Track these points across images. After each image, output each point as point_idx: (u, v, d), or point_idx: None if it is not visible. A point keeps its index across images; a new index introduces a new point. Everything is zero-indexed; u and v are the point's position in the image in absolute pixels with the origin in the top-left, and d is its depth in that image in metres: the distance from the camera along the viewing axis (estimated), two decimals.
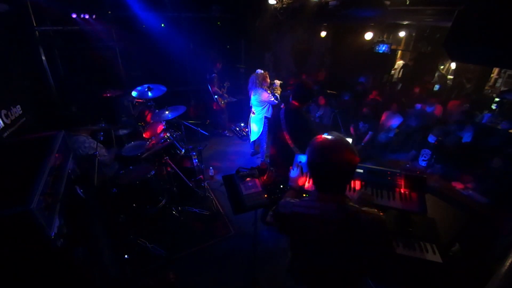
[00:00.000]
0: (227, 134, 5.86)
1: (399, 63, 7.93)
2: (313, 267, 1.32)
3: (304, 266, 1.37)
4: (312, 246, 1.26)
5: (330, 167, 1.15)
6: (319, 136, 1.24)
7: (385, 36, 7.33)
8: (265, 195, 1.92)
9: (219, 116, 5.75)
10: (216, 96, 5.37)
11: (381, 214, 1.19)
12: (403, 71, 7.72)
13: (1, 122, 2.43)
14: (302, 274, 1.40)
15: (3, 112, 2.50)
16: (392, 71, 7.69)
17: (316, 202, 1.22)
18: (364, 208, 1.19)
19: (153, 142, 3.32)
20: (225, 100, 5.57)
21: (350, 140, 2.26)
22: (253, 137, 4.55)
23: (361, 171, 2.03)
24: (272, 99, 4.06)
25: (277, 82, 4.21)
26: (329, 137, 1.21)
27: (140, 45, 5.01)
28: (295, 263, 1.42)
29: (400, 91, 6.48)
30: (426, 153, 4.01)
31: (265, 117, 4.30)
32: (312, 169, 1.22)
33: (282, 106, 2.99)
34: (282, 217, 1.31)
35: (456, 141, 3.88)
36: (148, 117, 3.86)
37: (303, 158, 2.14)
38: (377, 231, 1.15)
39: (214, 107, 5.59)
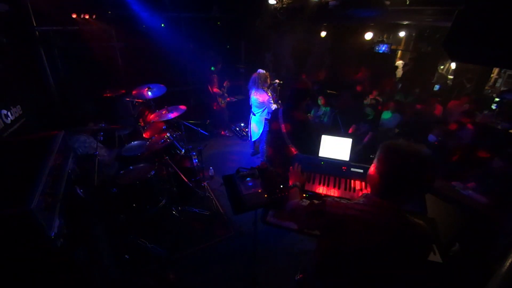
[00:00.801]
0: (227, 134, 5.86)
1: (399, 63, 7.93)
2: (350, 274, 1.23)
3: (339, 272, 1.27)
4: (356, 252, 1.17)
5: (413, 179, 1.08)
6: (397, 142, 1.16)
7: (385, 36, 7.33)
8: (265, 195, 1.92)
9: (219, 116, 5.75)
10: (216, 97, 5.37)
11: (426, 226, 1.15)
12: (403, 71, 7.72)
13: (1, 122, 2.43)
14: (332, 279, 1.31)
15: (3, 112, 2.50)
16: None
17: (372, 207, 1.16)
18: (416, 220, 1.14)
19: (153, 142, 3.32)
20: (225, 100, 5.57)
21: (350, 140, 2.27)
22: (254, 137, 4.55)
23: (361, 171, 2.03)
24: (273, 106, 4.03)
25: (277, 82, 4.20)
26: (407, 143, 1.13)
27: (140, 45, 5.01)
28: (325, 267, 1.34)
29: (401, 91, 6.47)
30: None
31: (265, 119, 4.29)
32: (389, 175, 1.13)
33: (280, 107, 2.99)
34: (332, 217, 1.20)
35: (456, 141, 3.87)
36: (148, 117, 3.87)
37: (303, 158, 2.14)
38: (425, 245, 1.13)
39: (214, 107, 5.59)
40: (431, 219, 1.92)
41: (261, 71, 4.14)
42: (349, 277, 1.23)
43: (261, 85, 4.07)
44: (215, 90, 5.29)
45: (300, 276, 1.55)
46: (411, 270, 1.15)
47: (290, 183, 1.70)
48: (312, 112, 5.34)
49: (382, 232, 1.12)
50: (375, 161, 1.20)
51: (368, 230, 1.14)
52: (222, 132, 5.88)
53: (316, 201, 1.33)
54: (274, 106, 4.05)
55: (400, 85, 6.69)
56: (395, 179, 1.12)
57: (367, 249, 1.14)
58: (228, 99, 5.69)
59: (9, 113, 2.60)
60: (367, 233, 1.14)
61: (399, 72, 7.70)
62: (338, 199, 1.27)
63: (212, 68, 5.23)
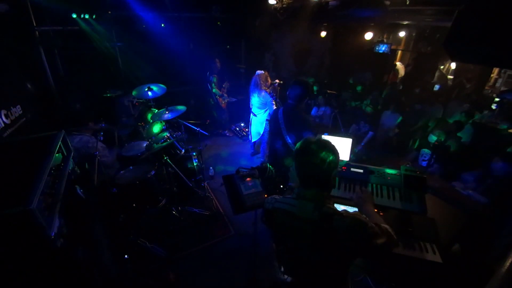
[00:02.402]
0: (227, 134, 5.86)
1: (398, 65, 7.88)
2: (292, 261, 1.37)
3: (285, 259, 1.43)
4: (289, 242, 1.32)
5: (308, 166, 1.21)
6: (306, 138, 1.29)
7: (385, 36, 7.32)
8: (265, 195, 1.92)
9: (220, 116, 5.75)
10: (216, 96, 5.36)
11: (360, 216, 1.19)
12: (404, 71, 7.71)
13: (1, 122, 2.43)
14: (285, 266, 1.44)
15: (3, 112, 2.50)
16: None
17: (295, 200, 1.28)
18: (342, 211, 1.20)
19: (153, 142, 3.32)
20: (226, 100, 5.57)
21: (350, 140, 2.27)
22: (254, 138, 4.54)
23: (361, 171, 2.03)
24: (274, 107, 4.04)
25: (277, 82, 4.21)
26: (313, 138, 1.27)
27: (140, 45, 5.01)
28: (279, 255, 1.48)
29: (401, 91, 6.48)
30: (426, 153, 4.01)
31: (266, 120, 4.30)
32: (296, 165, 1.28)
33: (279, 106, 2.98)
34: (266, 212, 1.40)
35: (456, 141, 3.87)
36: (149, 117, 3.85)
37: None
38: (353, 234, 1.13)
39: (215, 107, 5.59)
40: (431, 219, 1.92)
41: (260, 72, 4.15)
42: (292, 263, 1.37)
43: (263, 85, 4.08)
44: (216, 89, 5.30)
45: None
46: (345, 254, 1.20)
47: (290, 183, 1.70)
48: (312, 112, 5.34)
49: (303, 222, 1.22)
50: None
51: (292, 221, 1.25)
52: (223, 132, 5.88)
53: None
54: (274, 107, 4.06)
55: (401, 86, 6.69)
56: (297, 170, 1.27)
57: (296, 240, 1.27)
58: (226, 100, 5.68)
59: (9, 113, 2.60)
60: (291, 225, 1.26)
61: (401, 72, 7.69)
62: (275, 195, 1.43)
63: (208, 74, 5.23)
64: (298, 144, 1.28)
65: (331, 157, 1.19)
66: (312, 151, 1.20)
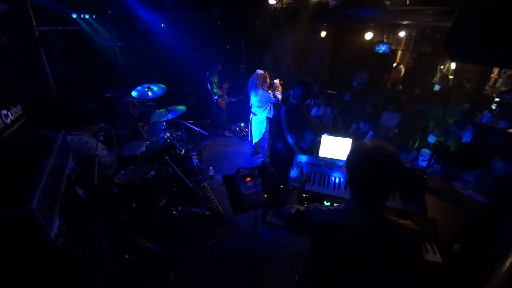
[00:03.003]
0: (227, 134, 5.86)
1: (400, 67, 7.88)
2: (336, 277, 1.24)
3: (327, 274, 1.29)
4: (342, 257, 1.18)
5: (378, 177, 1.05)
6: (363, 142, 1.16)
7: (385, 36, 7.32)
8: (265, 195, 1.92)
9: (219, 116, 5.75)
10: (216, 97, 5.36)
11: (416, 227, 1.12)
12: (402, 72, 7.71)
13: (1, 122, 2.43)
14: (325, 281, 1.32)
15: (3, 112, 2.50)
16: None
17: (352, 213, 1.14)
18: (401, 221, 1.11)
19: (153, 142, 3.32)
20: (225, 101, 5.56)
21: (350, 140, 2.27)
22: (255, 138, 4.53)
23: None
24: (278, 97, 4.06)
25: (277, 81, 4.21)
26: (376, 143, 1.10)
27: (140, 45, 5.01)
28: (316, 268, 1.36)
29: (401, 91, 6.48)
30: (426, 153, 4.01)
31: (267, 117, 4.29)
32: (354, 177, 1.13)
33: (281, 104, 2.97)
34: (311, 224, 1.23)
35: (456, 141, 3.88)
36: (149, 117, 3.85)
37: (303, 158, 2.14)
38: (415, 246, 1.09)
39: (215, 107, 5.59)
40: (431, 219, 1.92)
41: (259, 71, 4.15)
42: (338, 280, 1.23)
43: (260, 85, 4.08)
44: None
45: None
46: (402, 271, 1.12)
47: (290, 183, 1.69)
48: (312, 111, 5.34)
49: (361, 237, 1.10)
50: None
51: (347, 235, 1.12)
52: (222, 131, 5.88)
53: (302, 208, 1.34)
54: (274, 99, 4.06)
55: (401, 86, 6.69)
56: (360, 180, 1.11)
57: (350, 253, 1.13)
58: (226, 101, 5.68)
59: (9, 113, 2.59)
60: (347, 238, 1.12)
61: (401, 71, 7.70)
62: (320, 206, 1.27)
63: (207, 74, 5.23)
64: (360, 149, 1.12)
65: (400, 164, 1.06)
66: (389, 160, 1.04)
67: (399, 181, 1.07)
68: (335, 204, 1.25)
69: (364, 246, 1.10)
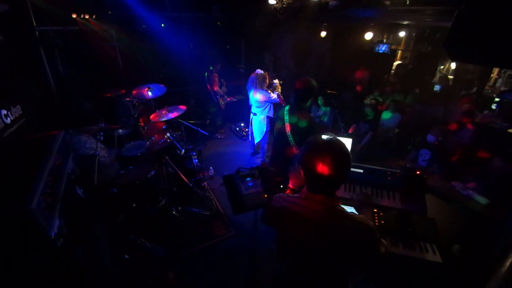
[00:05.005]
0: (218, 137, 5.73)
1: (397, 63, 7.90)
2: (296, 260, 1.34)
3: (288, 258, 1.40)
4: (295, 242, 1.28)
5: (324, 168, 1.11)
6: (313, 137, 1.21)
7: (385, 36, 7.32)
8: (265, 195, 1.92)
9: (215, 118, 5.70)
10: (217, 96, 5.36)
11: (368, 221, 1.17)
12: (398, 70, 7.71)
13: (1, 122, 2.43)
14: (288, 265, 1.42)
15: (3, 112, 2.50)
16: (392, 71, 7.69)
17: (304, 200, 1.23)
18: (351, 213, 1.18)
19: (153, 142, 3.32)
20: (225, 101, 5.56)
21: (350, 140, 2.27)
22: (257, 138, 4.52)
23: (361, 171, 2.03)
24: (274, 96, 4.04)
25: (277, 81, 4.20)
26: (324, 137, 1.17)
27: (140, 45, 5.00)
28: (281, 254, 1.44)
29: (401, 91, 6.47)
30: (425, 153, 4.01)
31: (267, 117, 4.28)
32: (303, 167, 1.20)
33: (283, 104, 2.96)
34: (272, 209, 1.36)
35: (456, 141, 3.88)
36: (150, 117, 3.86)
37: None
38: (362, 238, 1.14)
39: (215, 108, 5.58)
40: (431, 219, 1.92)
41: (259, 71, 4.14)
42: (296, 264, 1.33)
43: (259, 85, 4.07)
44: (215, 88, 5.29)
45: None
46: (354, 260, 1.19)
47: (290, 183, 1.69)
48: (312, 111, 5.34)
49: (312, 224, 1.18)
50: None
51: (299, 221, 1.21)
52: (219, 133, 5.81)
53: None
54: (275, 97, 4.05)
55: (399, 86, 6.68)
56: (308, 171, 1.17)
57: (303, 239, 1.22)
58: (228, 99, 5.68)
59: (9, 113, 2.60)
60: (298, 225, 1.22)
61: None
62: (283, 194, 1.38)
63: (211, 68, 5.22)
64: (308, 144, 1.19)
65: (347, 158, 1.13)
66: (329, 150, 1.12)
67: (347, 175, 1.15)
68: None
69: (312, 231, 1.18)
